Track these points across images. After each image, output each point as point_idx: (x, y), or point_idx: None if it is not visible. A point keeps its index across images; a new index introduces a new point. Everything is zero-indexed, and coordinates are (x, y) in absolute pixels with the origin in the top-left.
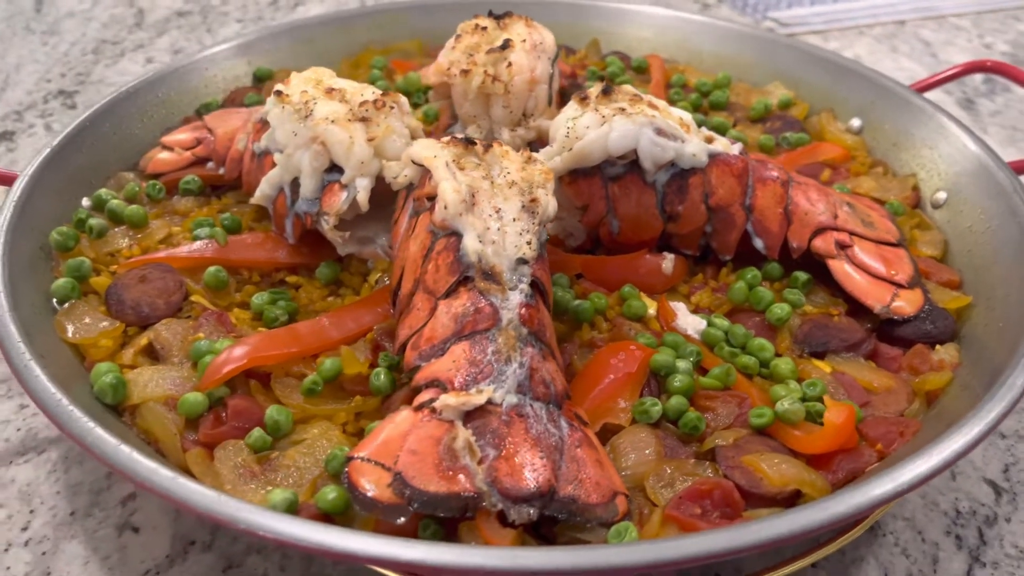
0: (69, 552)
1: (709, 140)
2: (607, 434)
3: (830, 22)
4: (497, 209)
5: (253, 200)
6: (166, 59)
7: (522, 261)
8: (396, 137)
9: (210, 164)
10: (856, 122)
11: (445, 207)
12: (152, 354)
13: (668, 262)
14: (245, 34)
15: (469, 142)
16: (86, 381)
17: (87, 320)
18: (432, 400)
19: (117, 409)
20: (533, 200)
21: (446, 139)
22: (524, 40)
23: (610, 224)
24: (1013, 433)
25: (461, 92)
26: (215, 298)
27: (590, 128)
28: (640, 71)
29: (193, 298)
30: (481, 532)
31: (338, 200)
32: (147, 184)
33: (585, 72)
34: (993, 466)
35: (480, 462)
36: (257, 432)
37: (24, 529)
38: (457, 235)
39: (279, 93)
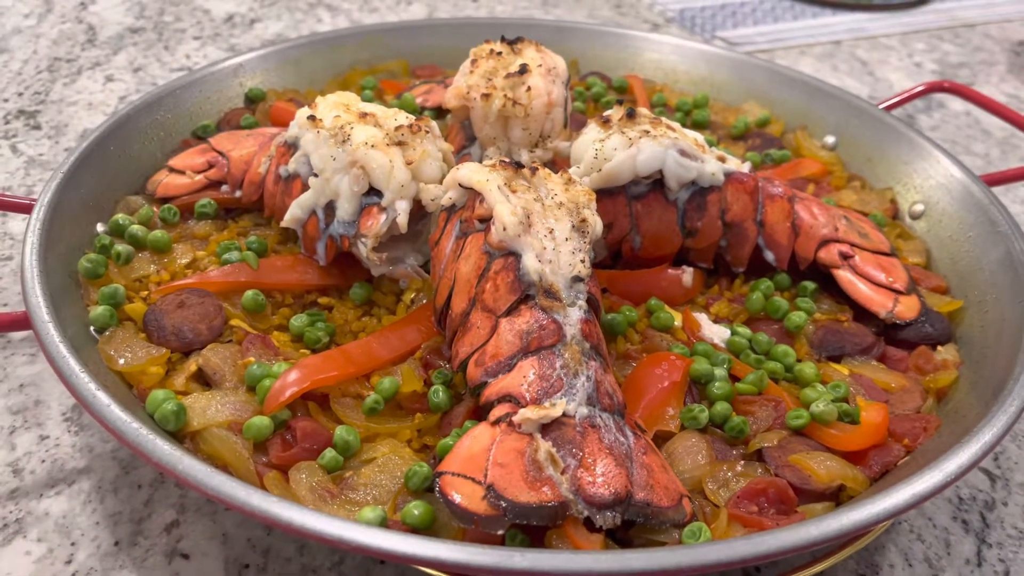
0: None
1: (722, 160)
2: (658, 441)
3: (774, 41)
4: (550, 230)
5: (283, 223)
6: (127, 77)
7: (577, 279)
8: (431, 160)
9: (224, 187)
10: (830, 139)
11: (504, 228)
12: (201, 379)
13: (688, 275)
14: (233, 56)
15: (518, 165)
16: (140, 409)
17: (131, 347)
18: (509, 414)
19: (177, 436)
20: (583, 220)
21: (490, 162)
22: (540, 65)
23: (632, 240)
24: None
25: (481, 115)
26: (254, 321)
27: (618, 150)
28: (621, 91)
29: (233, 322)
30: (571, 538)
31: (377, 223)
32: (161, 208)
33: (571, 92)
34: None
35: (563, 472)
36: (330, 452)
37: (68, 563)
38: (515, 255)
39: (312, 118)
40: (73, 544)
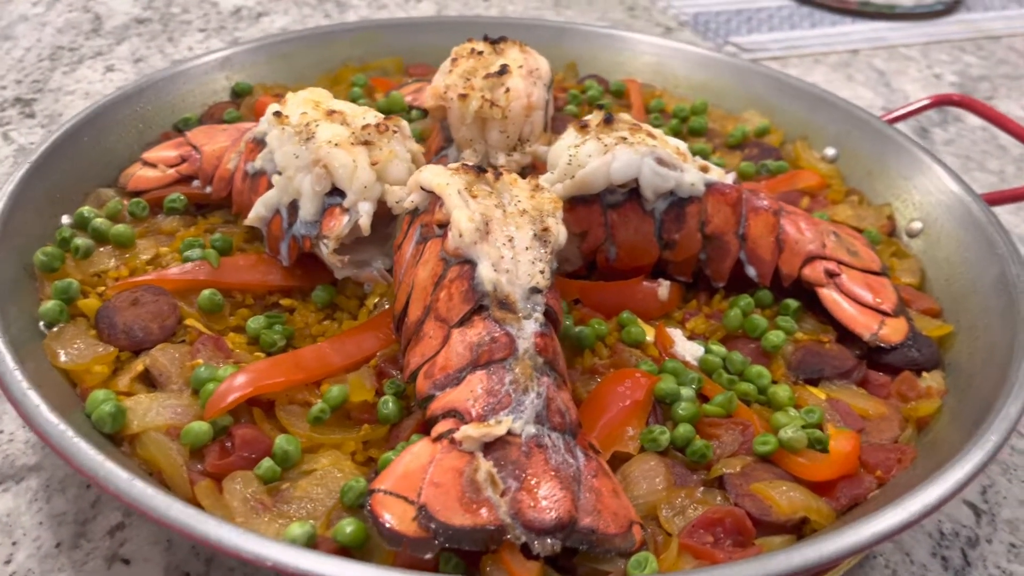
0: None
1: (704, 170)
2: (616, 462)
3: (788, 49)
4: (510, 238)
5: (247, 221)
6: (127, 67)
7: (535, 290)
8: (399, 161)
9: (195, 182)
10: (831, 151)
11: (460, 235)
12: (148, 380)
13: (664, 288)
14: (222, 49)
15: (480, 170)
16: (80, 408)
17: (78, 344)
18: (451, 431)
19: (114, 438)
20: (545, 229)
21: (455, 166)
22: (521, 66)
23: (607, 250)
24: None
25: (458, 116)
26: (210, 322)
27: (592, 156)
28: (618, 95)
29: (187, 322)
30: (506, 565)
31: (339, 224)
32: (130, 202)
33: (566, 95)
34: (971, 488)
35: (503, 494)
36: (267, 463)
37: (7, 562)
38: (471, 263)
39: (278, 114)
40: (14, 544)
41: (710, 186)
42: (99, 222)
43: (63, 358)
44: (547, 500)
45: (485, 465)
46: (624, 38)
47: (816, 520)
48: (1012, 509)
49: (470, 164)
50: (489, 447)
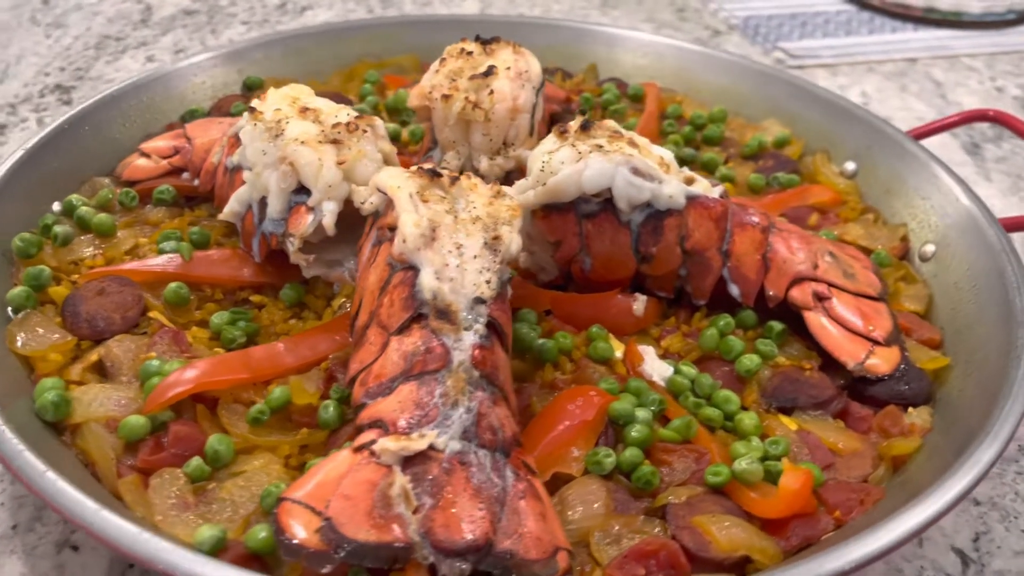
0: (7, 568)
1: (690, 181)
2: (559, 484)
3: (840, 56)
4: (458, 245)
5: (221, 216)
6: (167, 58)
7: (479, 300)
8: (368, 161)
9: (185, 175)
10: (851, 165)
11: (404, 240)
12: (102, 371)
13: (639, 303)
14: (236, 42)
15: (435, 174)
16: (30, 394)
17: (40, 331)
18: (372, 442)
19: (58, 427)
20: (496, 238)
21: (414, 168)
22: (509, 68)
23: (582, 261)
24: (987, 500)
25: (441, 117)
26: (175, 315)
27: (565, 163)
28: (636, 99)
29: (151, 314)
30: None
31: (304, 222)
32: (120, 191)
33: (579, 98)
34: (963, 534)
35: (415, 511)
36: (196, 461)
37: None
38: (415, 269)
39: (252, 110)
40: None
41: (692, 199)
42: (84, 210)
43: (19, 343)
44: (462, 520)
45: (400, 480)
46: (646, 41)
47: (760, 560)
48: (1005, 560)
49: (427, 167)
50: (409, 462)
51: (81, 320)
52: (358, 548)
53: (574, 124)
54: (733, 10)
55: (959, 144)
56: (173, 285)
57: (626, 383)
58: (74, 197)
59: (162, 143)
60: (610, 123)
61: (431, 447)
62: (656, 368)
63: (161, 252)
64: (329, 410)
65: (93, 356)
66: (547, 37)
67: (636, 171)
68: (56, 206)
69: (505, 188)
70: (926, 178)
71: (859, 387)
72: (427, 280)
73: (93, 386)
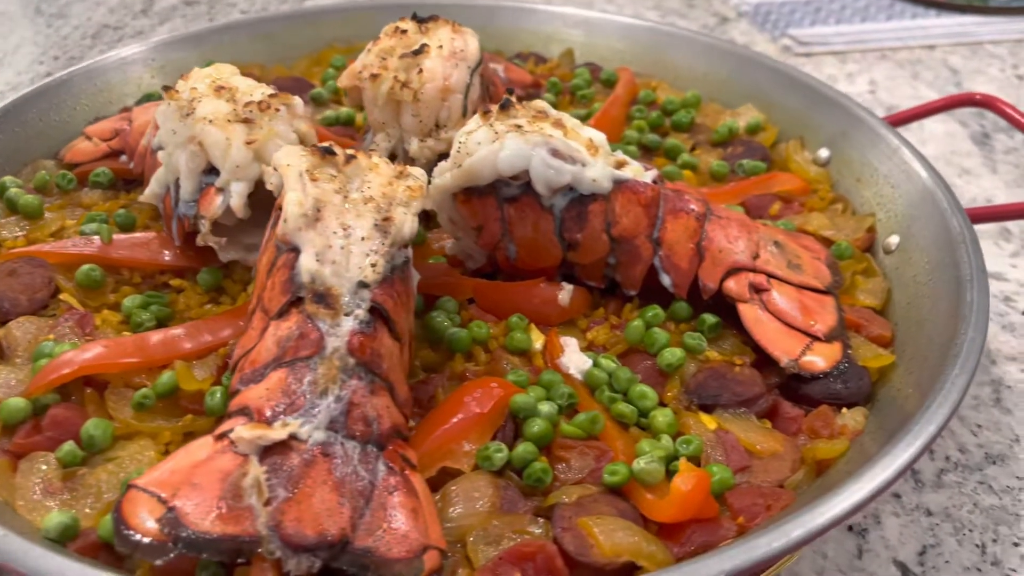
0: None
1: (620, 165)
2: (445, 480)
3: (852, 43)
4: (345, 227)
5: (142, 198)
6: None
7: (363, 285)
8: (280, 141)
9: (123, 157)
10: (824, 152)
11: (285, 220)
12: (0, 353)
13: (565, 293)
14: (201, 25)
15: (328, 152)
16: None
17: None
18: (233, 430)
19: None
20: (387, 219)
21: (309, 147)
22: (441, 46)
23: (506, 248)
24: (941, 511)
25: (371, 98)
26: (86, 298)
27: (482, 144)
28: (609, 84)
29: (62, 296)
30: None
31: (214, 204)
32: (58, 174)
33: (546, 83)
34: (909, 546)
35: (267, 503)
36: (68, 446)
37: None
38: (296, 251)
39: (167, 88)
40: None
41: (619, 183)
42: (13, 192)
43: None
44: (317, 514)
45: (255, 471)
46: (621, 24)
47: (647, 566)
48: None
49: (321, 145)
50: (269, 452)
51: None
52: (198, 540)
53: (498, 105)
54: None
55: (968, 134)
56: (85, 267)
57: (539, 376)
58: (7, 179)
59: (105, 125)
60: (538, 103)
61: (293, 437)
62: (574, 361)
63: (82, 234)
64: (216, 397)
65: None
66: (522, 20)
67: (555, 152)
68: None
69: (414, 169)
70: (896, 164)
71: (792, 385)
72: (306, 262)
73: None
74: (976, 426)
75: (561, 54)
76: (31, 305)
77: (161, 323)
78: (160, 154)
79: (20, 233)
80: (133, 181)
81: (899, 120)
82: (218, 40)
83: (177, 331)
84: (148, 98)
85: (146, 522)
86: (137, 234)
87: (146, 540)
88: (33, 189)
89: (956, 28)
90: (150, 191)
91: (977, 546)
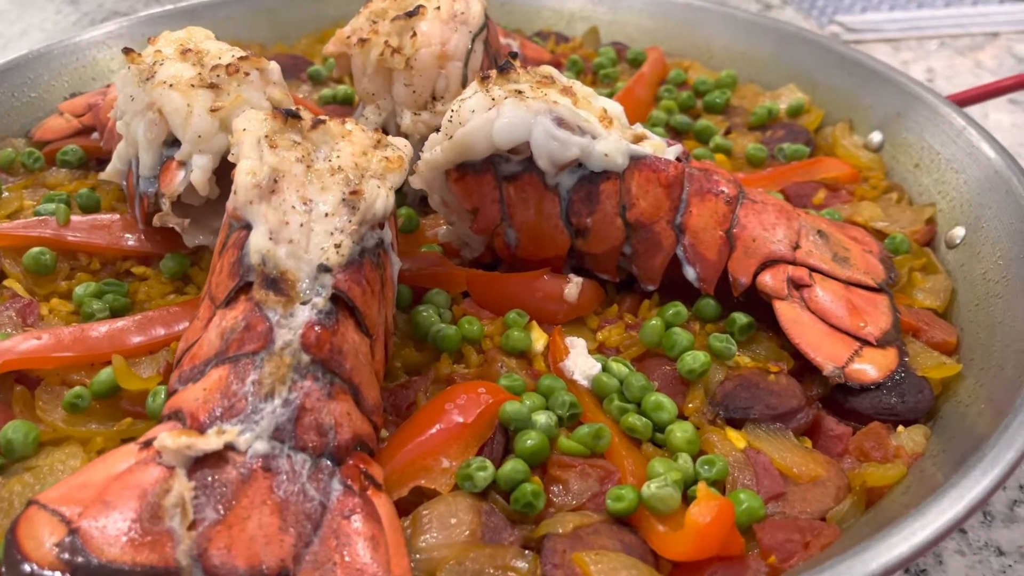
0: None
1: (638, 139)
2: (419, 501)
3: (907, 30)
4: (306, 200)
5: (103, 176)
6: None
7: (324, 268)
8: (249, 109)
9: (95, 135)
10: (876, 136)
11: (235, 191)
12: None
13: (573, 287)
14: (193, 0)
15: (292, 115)
16: None
17: None
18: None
19: None
20: (355, 192)
21: (270, 111)
22: (439, 8)
23: (505, 234)
24: (1015, 549)
25: (359, 66)
26: (35, 285)
27: (476, 112)
28: (636, 64)
29: (7, 282)
30: None
31: (175, 180)
32: (24, 152)
33: (566, 61)
34: None
35: (192, 527)
36: None
37: None
38: (249, 228)
39: (128, 51)
40: None
41: (636, 160)
42: None
43: None
44: (251, 542)
45: (181, 487)
46: (652, 1)
47: None
48: None
49: (284, 109)
50: (199, 464)
51: None
52: (102, 570)
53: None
54: None
55: None
56: (34, 251)
57: (538, 381)
58: None
59: (79, 101)
60: (545, 68)
61: (230, 447)
62: (580, 365)
63: (37, 215)
64: (159, 398)
65: None
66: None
67: (560, 122)
68: None
69: (396, 139)
70: (961, 147)
71: (840, 398)
72: (257, 240)
73: None
74: None
75: (585, 33)
76: None
77: (116, 314)
78: (119, 124)
79: None
80: (105, 160)
81: (962, 100)
82: (213, 15)
83: (124, 323)
84: None
85: (43, 546)
86: (97, 216)
87: (38, 569)
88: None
89: (1021, 15)
90: (111, 168)
91: None
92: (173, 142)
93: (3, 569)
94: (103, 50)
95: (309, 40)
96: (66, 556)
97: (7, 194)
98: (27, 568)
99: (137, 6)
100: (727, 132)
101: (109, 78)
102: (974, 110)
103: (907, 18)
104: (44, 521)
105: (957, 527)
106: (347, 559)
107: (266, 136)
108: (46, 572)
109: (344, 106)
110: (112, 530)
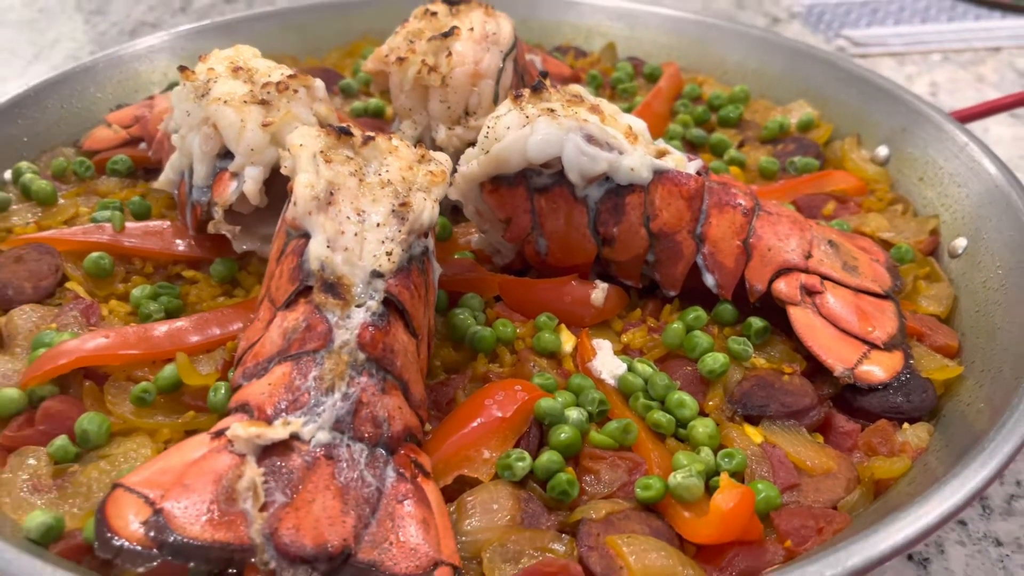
0: None
1: (661, 154)
2: (463, 489)
3: (911, 44)
4: (360, 211)
5: (156, 185)
6: None
7: (377, 274)
8: (298, 124)
9: (142, 145)
10: (883, 150)
11: (295, 203)
12: (0, 341)
13: (599, 292)
14: (230, 15)
15: (345, 132)
16: None
17: None
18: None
19: None
20: (404, 204)
21: (324, 127)
22: (472, 29)
23: (536, 242)
24: (1012, 540)
25: (397, 83)
26: (94, 287)
27: (511, 129)
28: (653, 78)
29: (69, 285)
30: None
31: (227, 190)
32: (75, 161)
33: (585, 76)
34: None
35: (263, 508)
36: (60, 441)
37: None
38: (307, 237)
39: (183, 69)
40: None
41: (660, 174)
42: (28, 178)
43: None
44: (317, 522)
45: (252, 472)
46: (668, 17)
47: None
48: None
49: (338, 125)
50: (268, 452)
51: None
52: (186, 546)
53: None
54: None
55: None
56: (94, 255)
57: (568, 380)
58: (23, 164)
59: (126, 112)
60: (574, 87)
61: (295, 437)
62: (607, 365)
63: (94, 221)
64: (219, 392)
65: None
66: (564, 13)
67: (590, 138)
68: (8, 174)
69: (438, 154)
70: (964, 162)
71: (849, 397)
72: (316, 248)
73: None
74: None
75: (603, 48)
76: (36, 293)
77: (171, 315)
78: (174, 138)
79: (32, 219)
80: (152, 169)
81: (965, 117)
82: (248, 30)
83: (183, 323)
84: (173, 87)
85: (131, 525)
86: (150, 222)
87: (129, 545)
88: (50, 175)
89: (1022, 30)
90: (164, 177)
91: None
92: (226, 154)
93: (96, 544)
94: (144, 63)
95: (338, 53)
96: (152, 534)
97: (63, 201)
98: (118, 544)
99: (164, 17)
100: (740, 145)
101: (150, 90)
102: (976, 124)
103: (911, 32)
104: (130, 502)
105: (957, 514)
106: (402, 539)
107: (321, 151)
108: (136, 548)
109: (375, 119)
110: (192, 510)
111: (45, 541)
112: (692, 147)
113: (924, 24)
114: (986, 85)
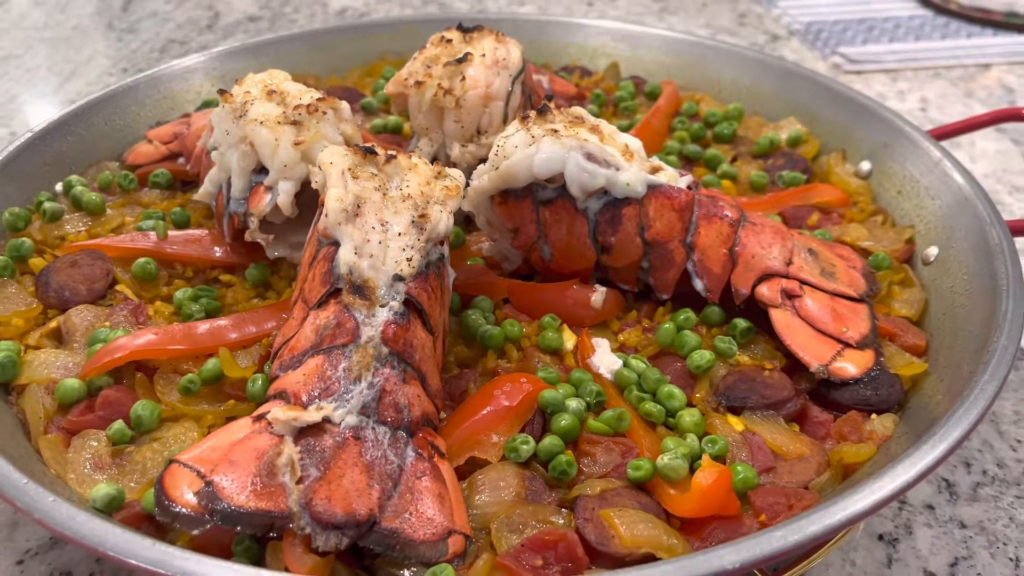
0: None
1: (655, 170)
2: (473, 469)
3: (905, 61)
4: (383, 222)
5: (196, 197)
6: None
7: (398, 278)
8: (326, 143)
9: (181, 159)
10: (866, 165)
11: (326, 215)
12: (59, 338)
13: (598, 295)
14: (259, 37)
15: (370, 151)
16: None
17: (9, 298)
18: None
19: (7, 387)
20: (423, 216)
21: (352, 147)
22: (484, 55)
23: (541, 250)
24: (975, 523)
25: (415, 104)
26: (141, 289)
27: (519, 148)
28: (653, 96)
29: (119, 287)
30: (284, 555)
31: (262, 202)
32: (120, 174)
33: (590, 95)
34: (940, 558)
35: (299, 481)
36: (118, 424)
37: None
38: (337, 245)
39: (222, 92)
40: None
41: (653, 188)
42: (78, 190)
43: None
44: (346, 494)
45: (289, 450)
46: (666, 38)
47: (664, 559)
48: None
49: (364, 146)
50: (303, 433)
51: (51, 290)
52: (233, 513)
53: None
54: (797, 15)
55: (1020, 151)
56: (141, 260)
57: (569, 374)
58: (73, 177)
59: (165, 129)
60: (576, 109)
61: (327, 420)
62: (605, 361)
63: (139, 230)
64: (257, 383)
65: (53, 323)
66: (571, 35)
67: (590, 156)
68: (59, 187)
69: (452, 170)
70: (937, 177)
71: (823, 391)
72: (345, 255)
73: (45, 350)
74: (1016, 441)
75: (606, 67)
76: (90, 294)
77: (210, 315)
78: (214, 154)
79: (83, 228)
80: (190, 182)
81: (944, 134)
82: (276, 51)
83: (223, 321)
84: (207, 104)
85: (186, 494)
86: (191, 231)
87: (185, 511)
88: (97, 188)
89: (1013, 47)
90: (204, 190)
91: (1011, 559)
92: (261, 170)
93: (156, 510)
94: (180, 83)
95: (359, 73)
96: (204, 502)
97: (110, 211)
98: (176, 510)
99: (191, 35)
100: (733, 160)
101: (186, 108)
102: (963, 137)
103: (905, 50)
104: (184, 475)
105: (907, 489)
106: (420, 510)
107: (349, 168)
108: (191, 513)
109: (394, 135)
110: (238, 483)
111: (109, 510)
112: (688, 161)
113: (917, 42)
114: (974, 101)
